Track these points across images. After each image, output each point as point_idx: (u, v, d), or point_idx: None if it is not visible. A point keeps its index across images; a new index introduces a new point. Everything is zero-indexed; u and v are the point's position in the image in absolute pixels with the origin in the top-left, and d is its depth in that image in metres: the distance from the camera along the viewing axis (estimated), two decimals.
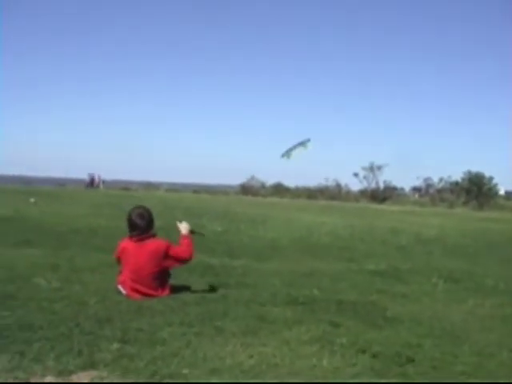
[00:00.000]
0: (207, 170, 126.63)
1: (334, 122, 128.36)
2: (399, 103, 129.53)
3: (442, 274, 10.84)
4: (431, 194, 68.61)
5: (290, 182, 70.46)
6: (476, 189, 62.30)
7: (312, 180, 79.64)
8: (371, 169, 66.76)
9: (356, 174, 67.49)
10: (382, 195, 65.41)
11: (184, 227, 7.20)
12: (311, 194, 65.29)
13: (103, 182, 56.46)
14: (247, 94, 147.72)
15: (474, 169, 64.99)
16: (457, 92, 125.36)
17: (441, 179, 68.81)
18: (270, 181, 68.81)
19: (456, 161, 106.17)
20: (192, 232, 7.28)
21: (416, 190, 74.33)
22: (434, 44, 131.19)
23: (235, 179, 72.47)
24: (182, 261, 7.03)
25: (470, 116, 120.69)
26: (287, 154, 12.07)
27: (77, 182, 65.36)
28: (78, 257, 10.38)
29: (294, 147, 11.97)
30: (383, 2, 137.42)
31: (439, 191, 68.77)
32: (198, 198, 42.34)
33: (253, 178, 66.96)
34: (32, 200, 23.81)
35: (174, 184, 70.06)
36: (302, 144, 12.10)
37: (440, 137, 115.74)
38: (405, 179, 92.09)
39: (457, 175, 66.91)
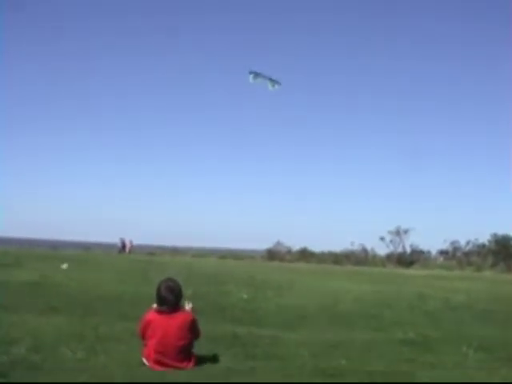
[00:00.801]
0: (233, 234, 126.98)
1: (359, 185, 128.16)
2: (423, 167, 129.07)
3: (472, 342, 10.53)
4: (458, 257, 67.62)
5: (316, 247, 70.16)
6: (504, 251, 61.37)
7: (338, 244, 79.20)
8: (397, 232, 66.31)
9: (382, 238, 67.03)
10: (409, 259, 64.60)
11: (189, 306, 7.32)
12: (337, 258, 64.76)
13: (133, 246, 56.84)
14: (271, 161, 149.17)
15: (501, 231, 64.18)
16: (479, 155, 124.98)
17: (468, 242, 68.01)
18: (296, 245, 68.58)
19: (483, 223, 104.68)
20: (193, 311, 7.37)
21: (443, 253, 73.29)
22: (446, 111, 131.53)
23: (261, 244, 72.37)
24: (198, 337, 7.08)
25: (496, 178, 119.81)
26: (255, 75, 12.11)
27: (102, 246, 65.76)
28: (104, 325, 10.33)
29: (265, 77, 12.02)
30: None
31: (466, 254, 67.78)
32: (224, 264, 42.18)
33: (279, 242, 66.85)
34: (64, 266, 23.95)
35: (200, 249, 70.11)
36: (272, 81, 12.16)
37: (465, 200, 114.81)
38: (431, 242, 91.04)
39: (484, 237, 66.15)
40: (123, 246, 54.83)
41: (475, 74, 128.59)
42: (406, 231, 65.64)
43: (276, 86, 12.42)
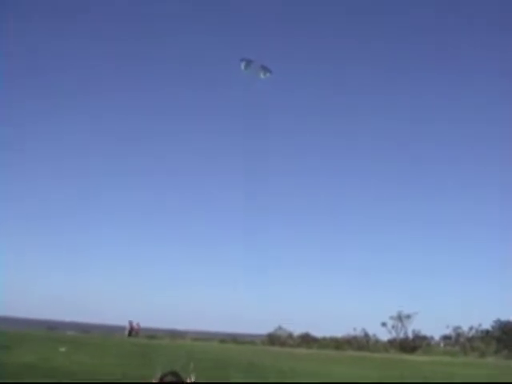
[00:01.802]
0: (234, 318, 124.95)
1: (360, 271, 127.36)
2: (425, 252, 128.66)
3: None
4: (461, 343, 66.47)
5: (317, 332, 69.05)
6: (507, 337, 60.43)
7: (340, 330, 77.94)
8: (399, 318, 65.41)
9: (384, 324, 66.09)
10: (412, 345, 63.45)
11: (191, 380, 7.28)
12: (339, 344, 63.68)
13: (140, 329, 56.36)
14: (271, 246, 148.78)
15: (504, 317, 63.41)
16: (480, 242, 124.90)
17: (471, 328, 67.02)
18: (298, 330, 67.57)
19: (485, 309, 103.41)
20: None
21: (446, 338, 72.10)
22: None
23: (262, 328, 71.26)
24: None
25: (499, 263, 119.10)
26: (247, 63, 12.23)
27: (102, 327, 64.95)
28: None
29: (257, 65, 12.13)
30: None
31: (469, 340, 66.67)
32: (225, 348, 41.62)
33: (280, 327, 65.88)
34: (62, 349, 23.74)
35: (200, 332, 69.11)
36: (264, 68, 12.27)
37: (468, 286, 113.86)
38: (434, 328, 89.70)
39: (487, 323, 65.29)
40: (131, 328, 54.47)
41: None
42: (408, 316, 64.78)
43: (268, 74, 12.84)
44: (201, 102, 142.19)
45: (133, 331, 54.49)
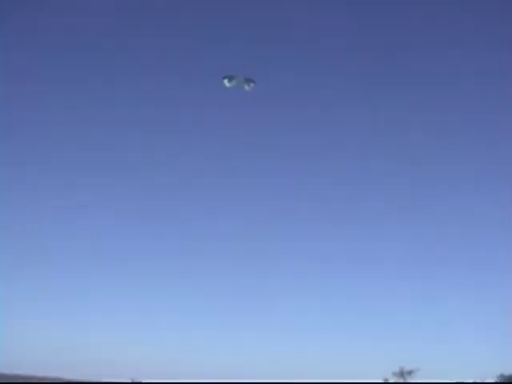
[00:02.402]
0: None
1: (360, 327, 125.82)
2: (426, 306, 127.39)
3: None
4: None
5: None
6: None
7: None
8: (401, 374, 64.72)
9: (386, 380, 65.33)
10: None
11: None
12: None
13: None
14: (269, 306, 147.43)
15: (507, 371, 62.84)
16: (482, 296, 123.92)
17: (474, 383, 66.36)
18: None
19: (488, 363, 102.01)
20: None
21: None
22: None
23: None
24: None
25: (501, 314, 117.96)
26: (230, 78, 12.33)
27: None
28: None
29: (239, 78, 12.24)
30: None
31: None
32: None
33: None
34: None
35: None
36: (247, 80, 12.37)
37: (470, 340, 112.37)
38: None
39: (490, 377, 64.72)
40: None
41: None
42: (410, 372, 64.09)
43: (252, 85, 13.14)
44: None
45: None
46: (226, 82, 13.78)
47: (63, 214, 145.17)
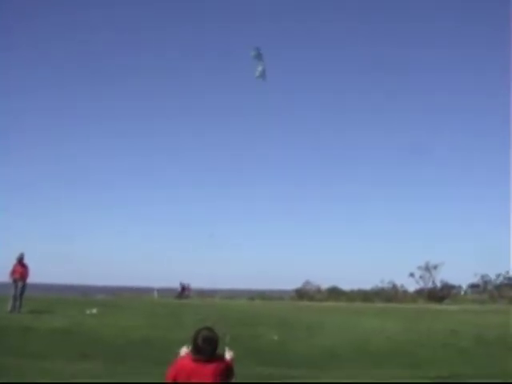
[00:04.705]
0: (261, 275, 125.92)
1: (386, 222, 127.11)
2: (450, 205, 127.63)
3: (505, 377, 10.32)
4: (489, 291, 66.42)
5: (345, 285, 69.39)
6: None
7: (367, 282, 78.22)
8: (427, 268, 65.36)
9: (412, 274, 66.11)
10: (440, 295, 63.53)
11: (230, 355, 7.16)
12: (367, 296, 63.98)
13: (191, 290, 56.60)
14: (298, 201, 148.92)
15: None
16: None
17: (498, 275, 66.91)
18: (325, 284, 67.98)
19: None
20: (233, 361, 7.23)
21: (474, 287, 71.99)
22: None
23: (290, 284, 71.68)
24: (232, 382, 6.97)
25: None
26: (258, 55, 11.93)
27: (131, 289, 65.89)
28: (135, 370, 10.31)
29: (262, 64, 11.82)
30: None
31: (497, 287, 66.57)
32: (253, 305, 41.94)
33: (308, 282, 66.35)
34: (89, 312, 23.99)
35: (228, 291, 69.83)
36: (263, 72, 11.86)
37: (494, 233, 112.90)
38: (462, 276, 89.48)
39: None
40: (183, 289, 54.70)
41: None
42: (435, 266, 64.75)
43: (259, 78, 12.33)
44: None
45: (185, 291, 54.67)
46: (253, 53, 12.52)
47: None
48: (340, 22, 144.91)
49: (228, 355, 7.07)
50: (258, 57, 12.06)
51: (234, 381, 6.90)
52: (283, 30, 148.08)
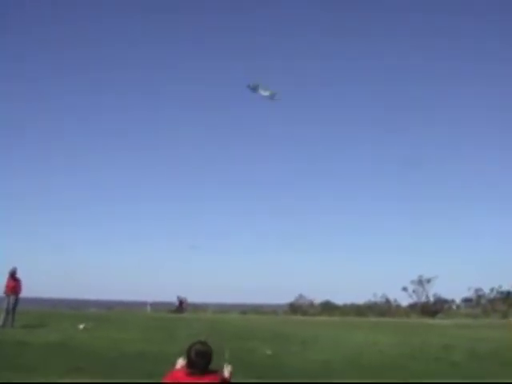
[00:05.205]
0: (254, 289, 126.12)
1: (379, 236, 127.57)
2: (443, 219, 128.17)
3: None
4: (483, 305, 66.53)
5: (339, 300, 69.44)
6: None
7: (360, 296, 78.33)
8: (420, 282, 65.49)
9: (405, 289, 66.18)
10: (433, 309, 63.59)
11: (228, 370, 7.18)
12: (360, 311, 64.01)
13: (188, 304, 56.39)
14: (292, 215, 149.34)
15: None
16: (500, 202, 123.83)
17: (492, 289, 67.08)
18: (318, 298, 67.96)
19: (506, 270, 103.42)
20: (231, 376, 7.24)
21: (467, 301, 72.10)
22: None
23: (283, 298, 71.72)
24: None
25: None
26: (255, 86, 11.74)
27: (124, 303, 65.68)
28: None
29: (266, 88, 11.64)
30: None
31: (491, 302, 66.70)
32: (246, 319, 41.85)
33: (301, 296, 66.33)
34: (81, 326, 23.93)
35: (220, 305, 69.70)
36: (271, 94, 11.65)
37: (488, 247, 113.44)
38: (455, 291, 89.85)
39: (507, 284, 65.52)
40: (180, 303, 54.52)
41: None
42: (428, 280, 64.87)
43: (275, 96, 12.15)
44: None
45: (183, 305, 54.53)
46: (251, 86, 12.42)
47: None
48: (337, 30, 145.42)
49: (226, 371, 7.10)
50: (256, 88, 12.01)
51: None
52: (283, 44, 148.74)
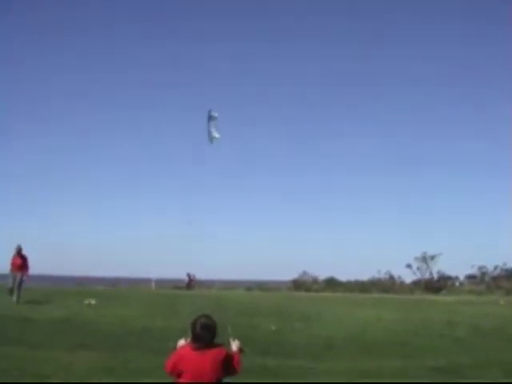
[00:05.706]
0: (258, 265, 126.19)
1: (384, 213, 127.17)
2: (448, 196, 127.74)
3: (503, 367, 10.42)
4: (487, 282, 66.69)
5: (342, 276, 69.52)
6: None
7: (364, 273, 78.44)
8: (424, 259, 65.50)
9: (409, 265, 66.26)
10: (437, 285, 63.71)
11: (235, 345, 7.18)
12: (364, 287, 64.13)
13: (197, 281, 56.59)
14: (296, 192, 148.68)
15: None
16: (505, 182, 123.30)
17: (496, 267, 67.16)
18: (322, 275, 68.05)
19: (510, 247, 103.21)
20: (241, 351, 7.23)
21: (471, 278, 72.25)
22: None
23: (287, 275, 71.85)
24: (233, 374, 6.97)
25: None
26: (214, 118, 11.54)
27: (128, 280, 65.96)
28: (134, 360, 10.39)
29: (216, 129, 11.43)
30: None
31: (494, 279, 66.84)
32: (251, 296, 42.01)
33: (305, 273, 66.39)
34: (88, 302, 24.08)
35: (225, 281, 69.97)
36: (213, 137, 11.37)
37: (492, 224, 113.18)
38: (459, 268, 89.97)
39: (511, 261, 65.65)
40: (190, 280, 54.69)
41: None
42: (432, 257, 64.83)
43: (212, 140, 11.70)
44: None
45: (192, 282, 54.68)
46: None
47: None
48: (330, 28, 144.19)
49: (234, 346, 7.11)
50: (213, 119, 11.61)
51: (239, 371, 6.94)
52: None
